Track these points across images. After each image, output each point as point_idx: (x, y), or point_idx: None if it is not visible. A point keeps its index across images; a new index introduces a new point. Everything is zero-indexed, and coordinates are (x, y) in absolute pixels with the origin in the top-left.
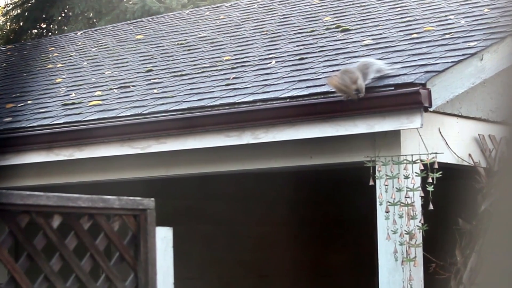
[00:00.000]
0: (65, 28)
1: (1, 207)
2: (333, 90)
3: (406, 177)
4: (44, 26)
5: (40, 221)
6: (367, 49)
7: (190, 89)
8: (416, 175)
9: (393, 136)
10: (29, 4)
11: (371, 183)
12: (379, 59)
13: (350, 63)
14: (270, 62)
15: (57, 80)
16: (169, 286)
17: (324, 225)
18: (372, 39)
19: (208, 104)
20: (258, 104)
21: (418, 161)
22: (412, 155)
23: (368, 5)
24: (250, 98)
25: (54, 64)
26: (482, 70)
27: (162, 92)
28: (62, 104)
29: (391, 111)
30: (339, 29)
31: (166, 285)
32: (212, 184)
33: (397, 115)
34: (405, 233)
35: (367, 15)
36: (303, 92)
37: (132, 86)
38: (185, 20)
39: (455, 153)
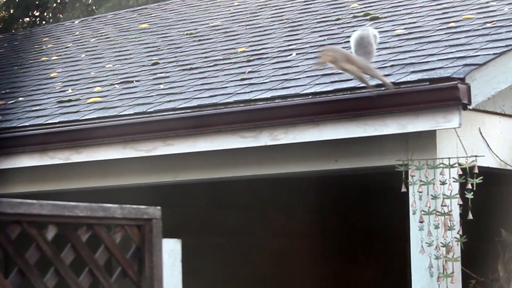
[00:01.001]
0: (61, 16)
1: None
2: (360, 85)
3: (443, 183)
4: (37, 13)
5: (33, 232)
6: (398, 40)
7: (201, 84)
8: (453, 181)
9: (428, 137)
10: None
11: (403, 189)
12: (412, 50)
13: (379, 55)
14: (290, 54)
15: (52, 75)
16: None
17: (350, 236)
18: (405, 28)
19: (221, 101)
20: (276, 101)
21: (456, 165)
22: (449, 158)
23: None
24: (268, 95)
25: (48, 57)
26: None
27: (170, 88)
28: (57, 101)
29: (425, 108)
30: (368, 17)
31: None
32: (225, 190)
33: (433, 113)
34: (442, 246)
35: (398, 2)
36: (327, 87)
37: (136, 81)
38: (195, 7)
39: (497, 156)
